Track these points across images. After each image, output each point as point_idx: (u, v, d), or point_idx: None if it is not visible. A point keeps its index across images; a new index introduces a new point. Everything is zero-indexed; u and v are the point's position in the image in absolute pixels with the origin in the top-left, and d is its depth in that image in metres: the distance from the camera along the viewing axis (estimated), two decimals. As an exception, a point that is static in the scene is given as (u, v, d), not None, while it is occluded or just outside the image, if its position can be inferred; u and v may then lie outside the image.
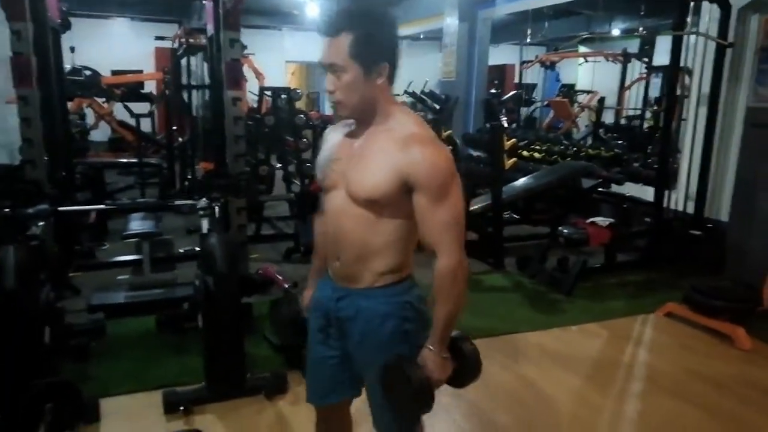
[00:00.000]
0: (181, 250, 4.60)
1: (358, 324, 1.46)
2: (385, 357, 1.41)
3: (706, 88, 4.57)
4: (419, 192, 1.32)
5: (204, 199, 2.87)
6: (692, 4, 4.68)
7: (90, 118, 9.50)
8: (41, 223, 3.10)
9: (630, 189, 5.60)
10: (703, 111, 4.60)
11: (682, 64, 4.60)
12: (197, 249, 3.28)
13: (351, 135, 1.45)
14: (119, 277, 4.04)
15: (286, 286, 3.33)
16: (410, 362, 1.39)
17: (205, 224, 2.87)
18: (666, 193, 4.66)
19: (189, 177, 6.25)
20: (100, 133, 10.09)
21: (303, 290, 1.79)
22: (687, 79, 5.05)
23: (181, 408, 2.53)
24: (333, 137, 1.51)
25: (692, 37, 4.72)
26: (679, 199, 4.84)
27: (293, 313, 2.79)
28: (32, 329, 2.38)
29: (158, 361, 2.99)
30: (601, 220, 4.32)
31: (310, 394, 1.68)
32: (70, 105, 7.56)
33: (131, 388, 2.74)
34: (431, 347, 1.40)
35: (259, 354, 3.01)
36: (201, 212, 2.87)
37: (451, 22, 8.66)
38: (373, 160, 1.35)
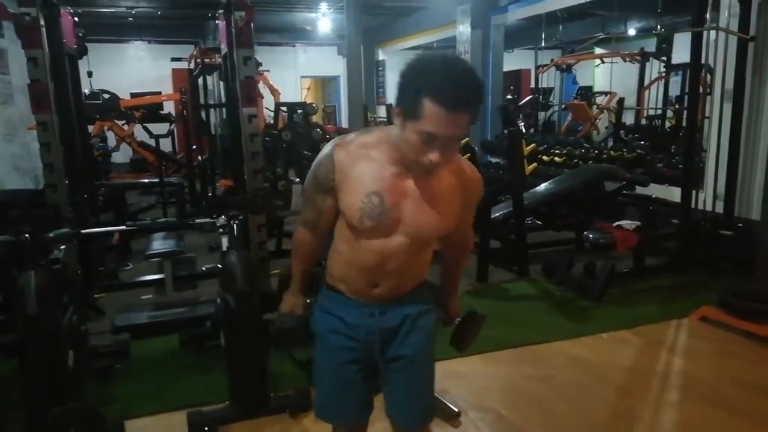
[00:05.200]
0: (204, 268, 4.61)
1: (405, 326, 1.55)
2: (429, 347, 1.61)
3: (729, 84, 4.46)
4: (470, 207, 1.56)
5: (222, 216, 2.85)
6: (710, -1, 4.60)
7: (111, 140, 9.66)
8: (63, 247, 3.12)
9: (655, 190, 5.48)
10: (728, 107, 4.48)
11: (703, 60, 4.50)
12: (220, 266, 3.27)
13: (398, 174, 1.38)
14: (143, 297, 4.05)
15: (308, 300, 3.29)
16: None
17: (225, 242, 2.85)
18: (693, 192, 4.54)
19: (210, 195, 6.29)
20: (122, 155, 10.26)
21: (287, 298, 1.70)
22: (708, 76, 4.94)
23: (206, 429, 2.50)
24: (367, 175, 1.38)
25: (712, 33, 4.62)
26: (707, 199, 4.71)
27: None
28: (55, 354, 2.37)
29: (182, 381, 2.97)
30: (628, 224, 4.21)
31: (341, 415, 1.65)
32: (91, 128, 7.72)
33: (155, 410, 2.72)
34: (453, 299, 1.79)
35: (283, 371, 2.97)
36: (220, 230, 2.85)
37: (463, 30, 8.63)
38: (441, 202, 1.43)
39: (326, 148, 1.44)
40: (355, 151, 1.40)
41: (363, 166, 1.38)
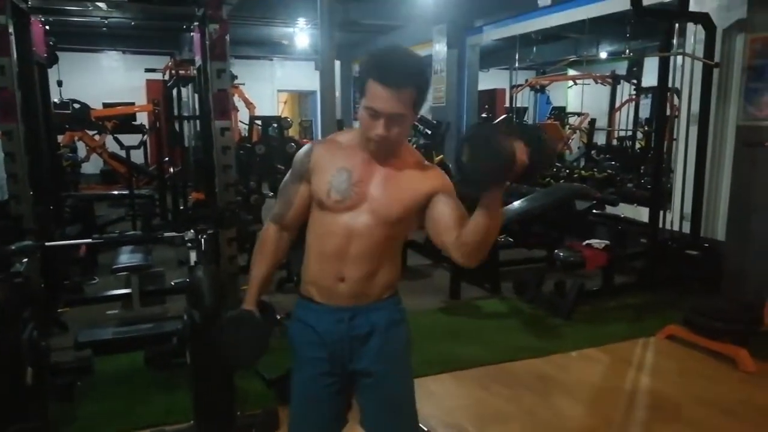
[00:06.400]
0: (173, 283, 4.53)
1: (375, 337, 1.54)
2: (403, 360, 1.60)
3: (695, 108, 4.58)
4: (448, 198, 1.50)
5: (191, 230, 2.80)
6: (677, 25, 4.73)
7: (82, 151, 9.49)
8: (25, 259, 3.03)
9: (624, 210, 5.58)
10: (694, 130, 4.60)
11: (670, 84, 4.62)
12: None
13: (367, 159, 1.50)
14: (108, 312, 3.96)
15: (278, 317, 3.25)
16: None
17: (193, 256, 2.81)
18: (661, 213, 4.63)
19: (181, 208, 6.20)
20: (92, 166, 10.09)
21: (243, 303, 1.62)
22: (676, 99, 5.07)
23: (169, 449, 2.44)
24: (339, 158, 1.50)
25: (679, 58, 4.76)
26: (674, 219, 4.81)
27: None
28: (13, 370, 2.29)
29: (146, 399, 2.90)
30: (597, 243, 4.27)
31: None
32: (61, 138, 7.57)
33: (118, 428, 2.66)
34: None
35: (250, 389, 2.91)
36: (188, 244, 2.81)
37: (440, 49, 8.74)
38: (402, 184, 1.49)
39: (308, 143, 1.62)
40: (330, 143, 1.58)
41: (336, 153, 1.52)
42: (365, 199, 1.47)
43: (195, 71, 5.11)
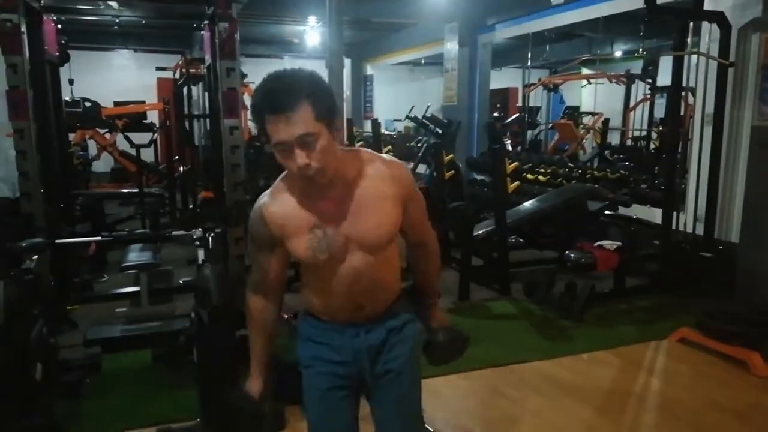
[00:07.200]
0: (181, 281, 4.53)
1: (391, 339, 1.55)
2: (414, 358, 1.61)
3: (710, 108, 4.51)
4: (411, 202, 1.50)
5: (199, 229, 2.80)
6: (692, 24, 4.66)
7: (93, 149, 9.56)
8: (36, 257, 3.05)
9: (637, 211, 5.51)
10: (709, 131, 4.53)
11: (684, 84, 4.55)
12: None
13: (319, 199, 1.40)
14: (117, 310, 3.97)
15: (285, 317, 3.25)
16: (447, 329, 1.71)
17: (200, 255, 2.80)
18: (674, 214, 4.57)
19: (190, 207, 6.22)
20: (103, 164, 10.15)
21: (248, 381, 1.61)
22: (691, 98, 5.00)
23: (175, 447, 2.44)
24: (301, 214, 1.41)
25: (693, 57, 4.69)
26: (688, 221, 4.74)
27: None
28: (22, 366, 2.30)
29: (153, 396, 2.92)
30: (609, 244, 4.22)
31: None
32: (72, 136, 7.63)
33: (125, 426, 2.67)
34: (435, 301, 1.74)
35: (258, 389, 2.91)
36: (197, 243, 2.81)
37: (451, 47, 8.70)
38: (373, 205, 1.42)
39: (255, 206, 1.48)
40: (280, 197, 1.44)
41: (295, 209, 1.42)
42: (351, 241, 1.42)
43: (205, 70, 5.11)
